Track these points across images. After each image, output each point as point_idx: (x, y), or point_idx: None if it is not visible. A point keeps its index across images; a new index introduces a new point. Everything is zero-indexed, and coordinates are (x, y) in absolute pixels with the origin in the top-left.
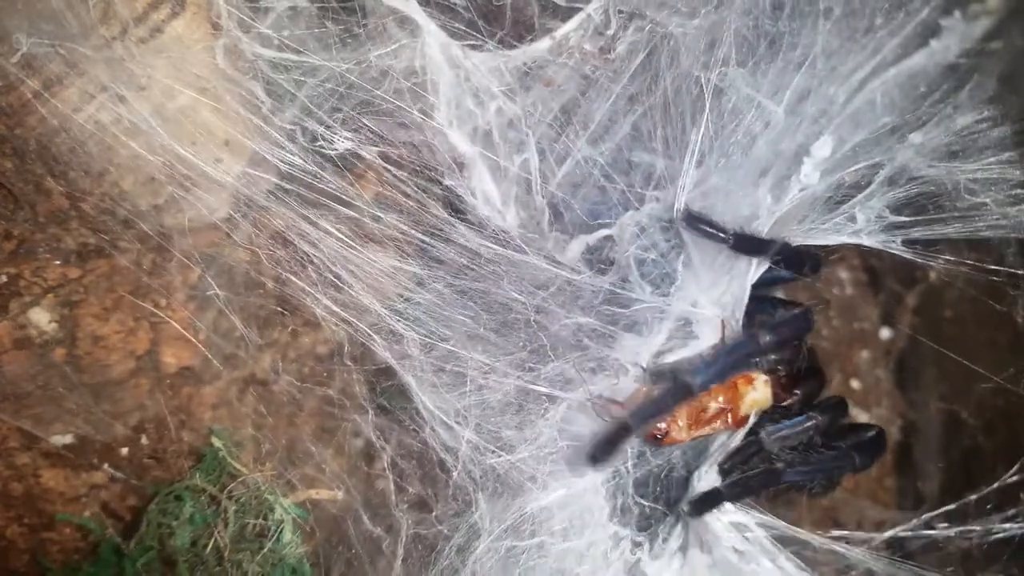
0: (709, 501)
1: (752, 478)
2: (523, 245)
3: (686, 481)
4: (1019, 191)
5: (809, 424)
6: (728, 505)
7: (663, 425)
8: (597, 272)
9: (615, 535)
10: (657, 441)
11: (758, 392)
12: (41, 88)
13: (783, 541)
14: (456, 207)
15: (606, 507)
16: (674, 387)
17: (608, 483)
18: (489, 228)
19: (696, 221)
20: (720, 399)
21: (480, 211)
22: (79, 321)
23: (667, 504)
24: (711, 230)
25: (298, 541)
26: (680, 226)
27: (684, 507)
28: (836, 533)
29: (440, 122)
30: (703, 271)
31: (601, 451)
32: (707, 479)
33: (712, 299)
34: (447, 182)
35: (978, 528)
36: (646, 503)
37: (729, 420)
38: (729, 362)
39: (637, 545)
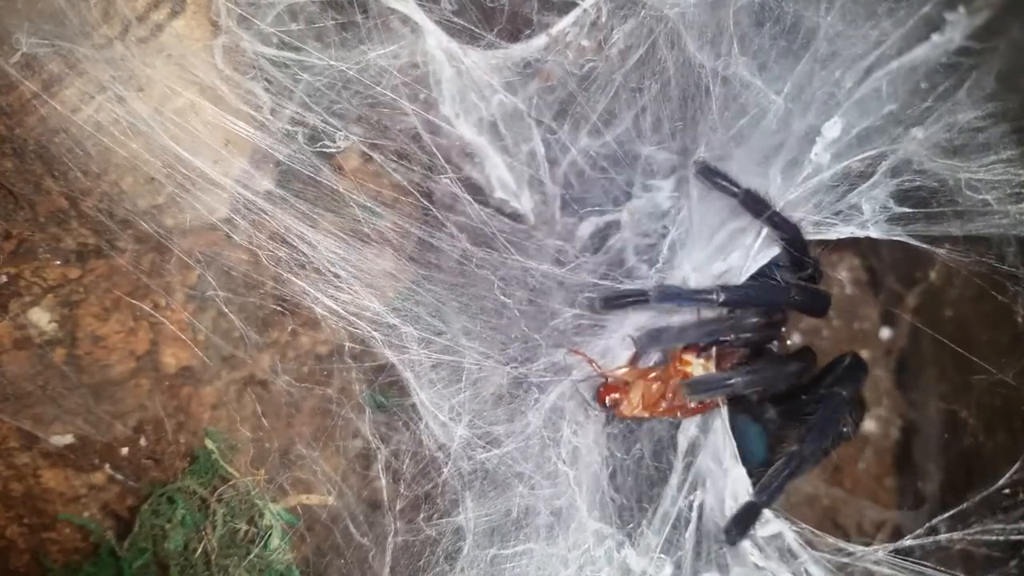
0: (748, 517)
1: (776, 475)
2: (509, 246)
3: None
4: (1020, 190)
5: (780, 367)
6: (766, 513)
7: (617, 395)
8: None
9: (597, 532)
10: (607, 408)
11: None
12: (41, 88)
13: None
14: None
15: (584, 504)
16: (703, 289)
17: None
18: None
19: (711, 173)
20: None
21: (497, 195)
22: (79, 321)
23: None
24: (724, 183)
25: (286, 547)
26: (695, 176)
27: (726, 535)
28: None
29: (447, 114)
30: (699, 243)
31: (614, 299)
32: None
33: (704, 276)
34: (464, 171)
35: (979, 530)
36: (621, 497)
37: (674, 406)
38: (759, 294)
39: (620, 544)
